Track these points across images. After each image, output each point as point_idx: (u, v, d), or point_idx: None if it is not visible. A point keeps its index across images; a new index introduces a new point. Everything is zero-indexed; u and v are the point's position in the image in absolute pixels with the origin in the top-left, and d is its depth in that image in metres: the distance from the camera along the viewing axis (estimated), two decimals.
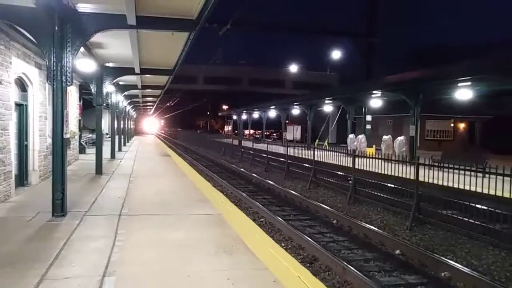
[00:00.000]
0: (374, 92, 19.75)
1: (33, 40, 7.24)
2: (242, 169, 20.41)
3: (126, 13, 6.62)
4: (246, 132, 55.01)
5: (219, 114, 68.48)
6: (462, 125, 34.26)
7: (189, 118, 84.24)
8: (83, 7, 6.75)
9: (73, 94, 15.22)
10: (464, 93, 16.11)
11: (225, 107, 69.10)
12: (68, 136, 6.98)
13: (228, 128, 70.16)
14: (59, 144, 6.77)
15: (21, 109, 9.47)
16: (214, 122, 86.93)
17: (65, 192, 6.85)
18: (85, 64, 10.00)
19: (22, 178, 9.55)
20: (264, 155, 22.09)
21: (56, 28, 6.36)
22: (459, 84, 15.23)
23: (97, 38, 7.60)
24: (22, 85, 9.56)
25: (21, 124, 9.46)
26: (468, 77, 13.72)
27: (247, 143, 30.82)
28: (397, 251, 7.35)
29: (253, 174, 18.27)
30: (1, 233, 5.81)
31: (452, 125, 33.80)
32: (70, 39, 6.54)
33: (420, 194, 9.63)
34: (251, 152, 24.93)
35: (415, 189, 9.45)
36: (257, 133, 57.95)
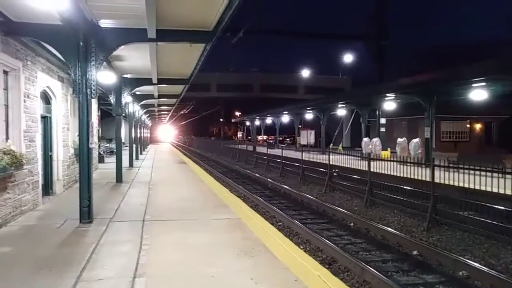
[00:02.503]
0: (387, 94, 19.77)
1: (59, 55, 7.61)
2: (257, 175, 20.62)
3: (147, 27, 6.93)
4: (259, 137, 55.25)
5: (232, 120, 68.94)
6: (478, 126, 33.85)
7: (203, 125, 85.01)
8: (106, 23, 7.09)
9: (93, 105, 15.70)
10: (478, 93, 16.04)
11: (237, 113, 69.51)
12: (93, 146, 7.31)
13: (241, 134, 70.52)
14: (85, 154, 7.09)
15: (46, 121, 9.86)
16: (227, 129, 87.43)
17: (92, 199, 7.15)
18: (105, 76, 10.37)
19: (47, 188, 9.92)
20: (279, 160, 22.25)
21: (81, 43, 6.70)
22: (474, 85, 15.18)
23: (117, 51, 7.92)
24: (46, 98, 9.97)
25: (46, 136, 9.85)
26: (482, 78, 13.70)
27: (261, 149, 31.03)
28: (415, 252, 7.44)
29: (269, 179, 18.46)
30: (34, 239, 6.13)
31: (468, 125, 33.43)
32: (94, 54, 6.87)
33: (436, 196, 9.67)
34: (265, 157, 25.12)
35: (431, 190, 9.51)
36: (270, 138, 58.15)
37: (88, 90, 6.89)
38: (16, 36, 7.02)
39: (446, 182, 10.24)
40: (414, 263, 6.98)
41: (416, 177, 11.43)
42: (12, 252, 5.47)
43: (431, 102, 17.00)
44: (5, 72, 7.12)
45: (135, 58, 10.43)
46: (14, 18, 6.61)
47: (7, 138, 7.12)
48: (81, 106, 6.97)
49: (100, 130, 21.67)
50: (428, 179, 10.50)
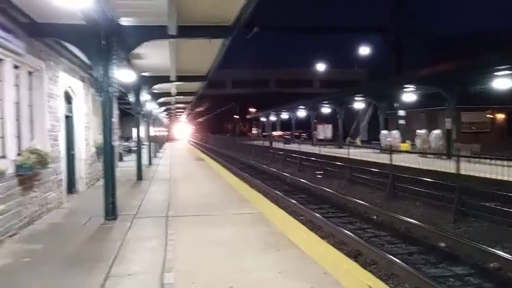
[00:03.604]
0: (406, 86, 19.45)
1: (81, 55, 7.70)
2: (274, 170, 20.58)
3: (167, 23, 6.93)
4: (275, 133, 55.10)
5: (247, 117, 68.89)
6: (500, 116, 32.99)
7: (218, 122, 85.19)
8: (126, 21, 7.10)
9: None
10: (502, 82, 15.59)
11: (252, 109, 69.43)
12: (116, 143, 7.38)
13: (256, 130, 70.42)
14: (109, 152, 7.15)
15: (68, 120, 9.99)
16: (242, 125, 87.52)
17: (115, 196, 7.22)
18: (125, 75, 10.42)
19: (71, 186, 10.04)
20: (295, 155, 22.16)
21: (103, 42, 6.72)
22: (498, 73, 14.77)
23: (137, 49, 7.95)
24: (68, 97, 10.10)
25: (68, 135, 9.97)
26: (508, 66, 13.30)
27: (276, 145, 30.97)
28: (442, 244, 7.30)
29: (286, 174, 18.40)
30: (62, 236, 6.24)
31: (489, 116, 32.62)
32: (115, 52, 6.89)
33: (461, 187, 9.47)
34: (281, 153, 25.04)
35: (457, 182, 9.31)
36: (285, 134, 57.91)
37: (110, 88, 6.93)
38: (40, 37, 7.11)
39: (471, 173, 10.03)
40: (442, 255, 6.86)
41: (438, 169, 11.22)
42: (42, 249, 5.57)
43: (453, 92, 16.64)
44: (30, 73, 7.23)
45: (154, 56, 10.46)
46: (38, 19, 6.69)
47: (32, 137, 7.25)
48: (103, 105, 7.03)
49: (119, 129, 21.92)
50: (449, 170, 10.32)
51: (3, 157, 6.15)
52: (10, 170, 6.07)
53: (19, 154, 6.61)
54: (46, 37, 7.24)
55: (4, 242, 5.74)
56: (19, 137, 6.81)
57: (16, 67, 6.61)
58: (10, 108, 6.35)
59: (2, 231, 5.75)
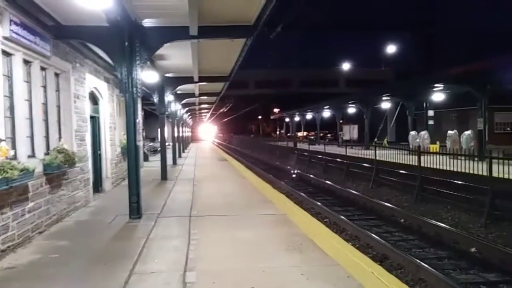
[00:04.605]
0: (436, 85, 18.86)
1: (106, 56, 7.82)
2: (298, 171, 20.39)
3: (189, 24, 6.96)
4: (300, 134, 54.72)
5: (271, 117, 68.76)
6: None
7: (242, 123, 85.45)
8: (149, 22, 7.19)
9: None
10: None
11: (276, 110, 69.25)
12: (140, 143, 7.46)
13: (280, 131, 70.20)
14: (133, 152, 7.23)
15: (94, 120, 10.20)
16: (266, 126, 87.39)
17: (140, 196, 7.30)
18: (149, 76, 10.59)
19: (97, 185, 10.24)
20: (320, 156, 21.88)
21: (126, 43, 6.82)
22: None
23: (160, 50, 8.03)
24: (93, 98, 10.31)
25: (94, 135, 10.17)
26: None
27: (301, 145, 30.73)
28: (473, 249, 7.00)
29: (311, 176, 18.19)
30: (88, 234, 6.35)
31: None
32: (138, 53, 6.98)
33: (494, 190, 9.06)
34: (306, 154, 24.80)
35: (489, 185, 8.92)
36: (310, 134, 57.39)
37: (134, 89, 7.02)
38: (66, 39, 7.28)
39: (504, 176, 9.57)
40: (473, 260, 6.56)
41: (470, 171, 10.78)
42: (69, 246, 5.69)
43: (484, 91, 16.01)
44: (56, 75, 7.42)
45: (177, 56, 10.56)
46: (64, 22, 6.85)
47: (60, 137, 7.42)
48: (128, 105, 7.12)
49: (144, 130, 22.27)
50: (481, 173, 9.90)
51: (32, 156, 6.32)
52: (39, 169, 6.22)
53: (47, 154, 6.78)
54: (71, 39, 7.41)
55: (33, 238, 5.90)
56: (47, 137, 6.99)
57: (43, 68, 6.79)
58: (38, 108, 6.52)
59: (31, 228, 5.91)
